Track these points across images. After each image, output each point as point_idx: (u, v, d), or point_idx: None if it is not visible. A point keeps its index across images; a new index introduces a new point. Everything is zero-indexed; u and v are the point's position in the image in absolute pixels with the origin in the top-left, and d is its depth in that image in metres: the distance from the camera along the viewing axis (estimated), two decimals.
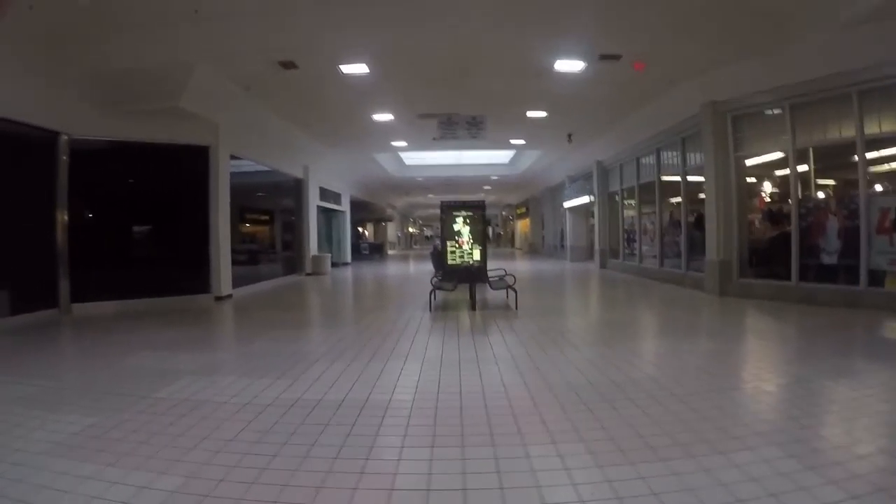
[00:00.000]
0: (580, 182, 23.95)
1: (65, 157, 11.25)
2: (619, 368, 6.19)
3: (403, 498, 3.29)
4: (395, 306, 12.34)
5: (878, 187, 10.13)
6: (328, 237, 26.54)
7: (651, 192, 16.90)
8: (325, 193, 23.53)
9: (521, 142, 20.14)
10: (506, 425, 4.44)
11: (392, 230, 46.91)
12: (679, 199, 15.11)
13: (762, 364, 6.50)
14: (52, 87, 10.28)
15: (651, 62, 11.08)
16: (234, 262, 14.59)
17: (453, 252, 16.62)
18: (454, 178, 29.39)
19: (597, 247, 22.17)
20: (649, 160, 16.88)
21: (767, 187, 12.71)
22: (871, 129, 9.68)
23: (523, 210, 42.99)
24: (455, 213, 16.76)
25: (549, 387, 5.53)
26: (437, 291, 11.75)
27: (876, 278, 9.75)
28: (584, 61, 11.05)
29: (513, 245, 52.53)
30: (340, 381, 5.85)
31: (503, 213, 58.52)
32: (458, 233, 16.70)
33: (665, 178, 15.99)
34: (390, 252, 41.97)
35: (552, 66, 11.33)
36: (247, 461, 3.80)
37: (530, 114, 15.35)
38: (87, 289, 11.52)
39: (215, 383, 5.82)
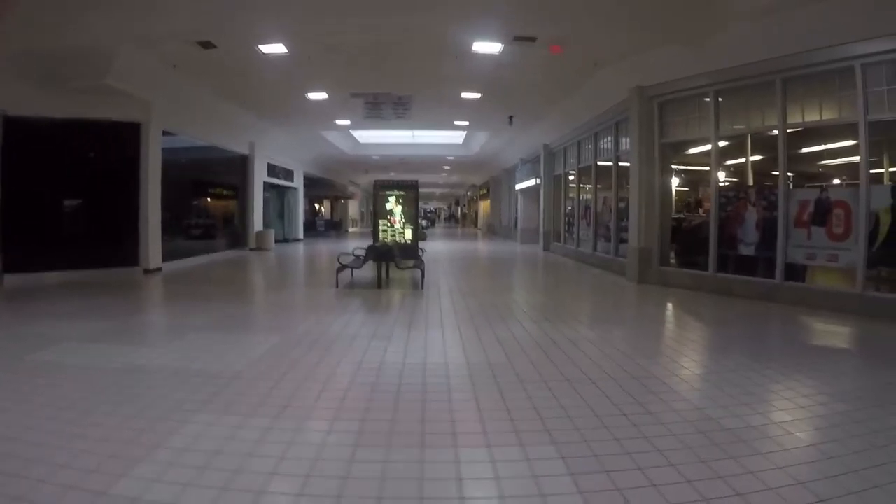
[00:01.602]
0: (530, 164, 23.50)
1: None
2: (461, 350, 6.17)
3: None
4: (312, 283, 12.34)
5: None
6: (280, 213, 25.93)
7: (591, 177, 16.46)
8: (274, 170, 22.97)
9: (465, 123, 19.59)
10: (281, 397, 4.56)
11: (354, 207, 46.13)
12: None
13: (613, 357, 6.00)
14: None
15: (572, 45, 10.63)
16: (173, 236, 14.83)
17: (385, 230, 16.21)
18: (411, 156, 28.78)
19: (533, 228, 21.79)
20: (589, 144, 16.41)
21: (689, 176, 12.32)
22: (794, 117, 9.31)
23: (485, 191, 42.47)
24: (388, 192, 16.34)
25: (358, 365, 5.55)
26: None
27: (793, 272, 9.44)
28: (500, 43, 10.56)
29: (475, 226, 52.07)
30: (196, 352, 5.96)
31: (468, 193, 57.83)
32: (391, 211, 16.26)
33: (601, 162, 15.60)
34: (351, 229, 41.29)
35: (470, 48, 10.86)
36: (64, 414, 4.07)
37: (465, 95, 14.81)
38: (19, 260, 11.53)
39: (87, 349, 6.04)
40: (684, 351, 6.42)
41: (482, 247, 25.04)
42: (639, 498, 2.95)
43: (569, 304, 9.77)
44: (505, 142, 23.52)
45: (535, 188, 23.18)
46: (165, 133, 13.95)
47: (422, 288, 11.02)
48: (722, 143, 10.74)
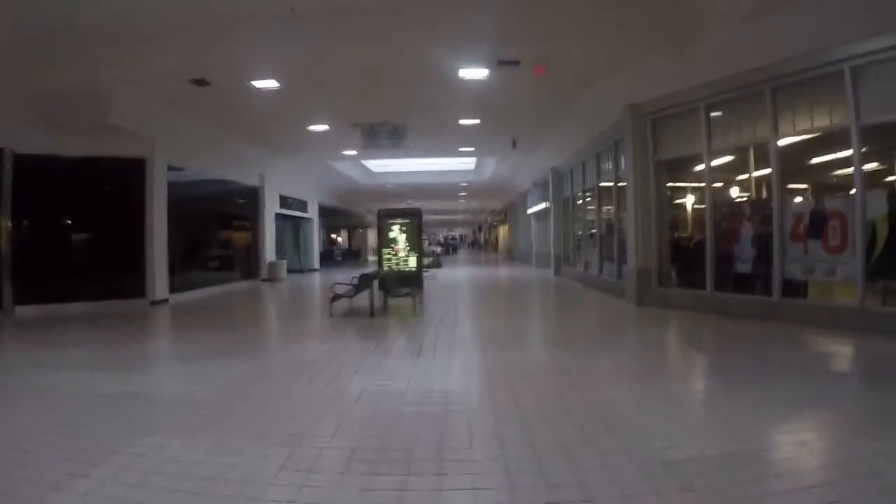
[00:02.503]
0: (540, 188, 23.23)
1: (9, 171, 11.60)
2: (427, 379, 6.00)
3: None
4: (309, 313, 12.16)
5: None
6: (295, 244, 26.00)
7: (595, 199, 16.12)
8: (286, 201, 23.12)
9: (471, 149, 19.43)
10: (231, 420, 4.68)
11: (373, 236, 46.05)
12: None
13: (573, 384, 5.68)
14: None
15: (557, 66, 10.44)
16: (185, 268, 15.18)
17: (389, 259, 16.06)
18: (426, 184, 28.70)
19: (547, 253, 21.40)
20: (592, 166, 16.09)
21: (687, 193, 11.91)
22: (786, 128, 8.92)
23: (503, 216, 42.19)
24: (391, 221, 16.22)
25: (338, 394, 5.51)
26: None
27: (791, 289, 8.93)
28: (486, 68, 10.45)
29: (496, 251, 51.67)
30: (170, 379, 6.34)
31: (488, 219, 57.57)
32: (394, 240, 16.12)
33: (603, 183, 15.20)
34: (371, 258, 41.18)
35: (457, 74, 10.77)
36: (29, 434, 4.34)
37: (463, 121, 14.66)
38: (30, 292, 11.88)
39: (68, 377, 6.28)
40: (650, 377, 5.98)
41: (494, 273, 24.75)
42: None
43: (553, 331, 9.44)
44: (514, 166, 23.30)
45: (546, 212, 22.87)
46: (171, 168, 14.19)
47: (414, 315, 10.88)
48: (728, 158, 10.36)
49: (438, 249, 33.59)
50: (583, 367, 6.41)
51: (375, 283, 11.80)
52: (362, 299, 11.70)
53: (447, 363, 6.77)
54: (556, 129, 16.07)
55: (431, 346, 7.82)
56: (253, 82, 11.01)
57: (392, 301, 12.15)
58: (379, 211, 16.86)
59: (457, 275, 23.27)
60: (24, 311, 11.63)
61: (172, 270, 14.30)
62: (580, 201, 18.09)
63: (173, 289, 14.20)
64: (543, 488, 3.23)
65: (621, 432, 4.11)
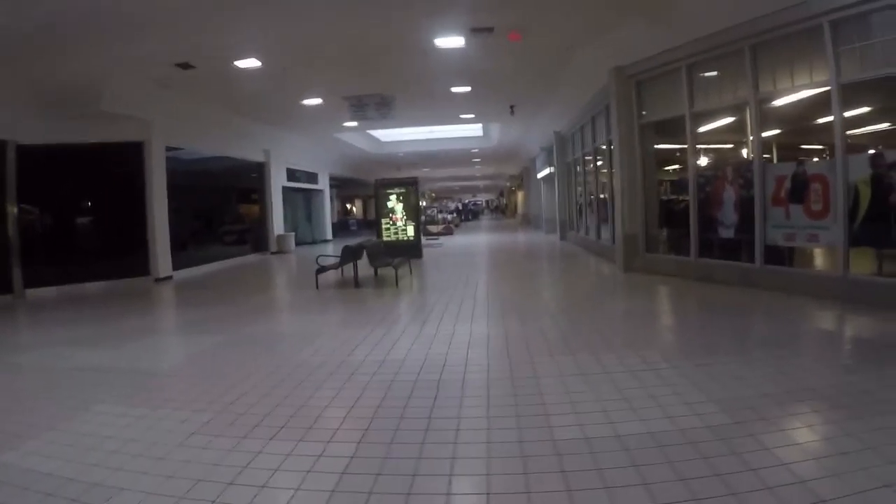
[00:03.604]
0: (546, 152, 22.66)
1: (13, 161, 11.79)
2: (375, 347, 6.13)
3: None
4: (302, 285, 11.98)
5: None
6: (307, 216, 25.96)
7: (593, 163, 15.60)
8: (294, 174, 23.01)
9: (471, 116, 18.89)
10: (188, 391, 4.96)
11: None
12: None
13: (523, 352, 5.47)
14: None
15: (535, 31, 9.89)
16: (188, 245, 15.50)
17: (388, 228, 15.88)
18: (436, 152, 28.16)
19: (556, 218, 20.92)
20: (589, 129, 15.52)
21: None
22: (766, 86, 8.33)
23: (520, 182, 41.51)
24: (388, 191, 15.99)
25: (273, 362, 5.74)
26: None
27: (773, 255, 8.45)
28: (461, 36, 9.96)
29: (514, 216, 51.05)
30: (146, 353, 6.42)
31: (507, 184, 56.76)
32: (392, 210, 15.90)
33: (600, 146, 14.62)
34: None
35: (434, 44, 10.33)
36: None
37: (454, 89, 14.16)
38: (39, 276, 12.17)
39: (60, 352, 6.58)
40: (601, 348, 5.68)
41: (502, 239, 24.31)
42: None
43: (520, 299, 8.95)
44: (520, 131, 22.62)
45: (552, 176, 22.33)
46: (170, 148, 14.32)
47: (396, 285, 10.78)
48: (711, 119, 9.76)
49: (450, 217, 33.03)
50: (524, 338, 6.26)
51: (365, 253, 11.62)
52: (360, 270, 11.74)
53: (398, 332, 6.85)
54: (552, 94, 15.43)
55: (392, 317, 7.96)
56: (236, 63, 10.85)
57: (386, 270, 11.98)
58: (375, 181, 16.62)
59: (465, 242, 22.99)
60: (34, 293, 11.95)
61: (178, 247, 14.51)
62: (580, 166, 17.53)
63: (178, 265, 14.40)
64: None
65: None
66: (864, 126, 7.75)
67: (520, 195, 44.90)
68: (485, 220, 53.48)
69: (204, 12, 8.32)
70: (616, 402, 4.12)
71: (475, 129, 25.00)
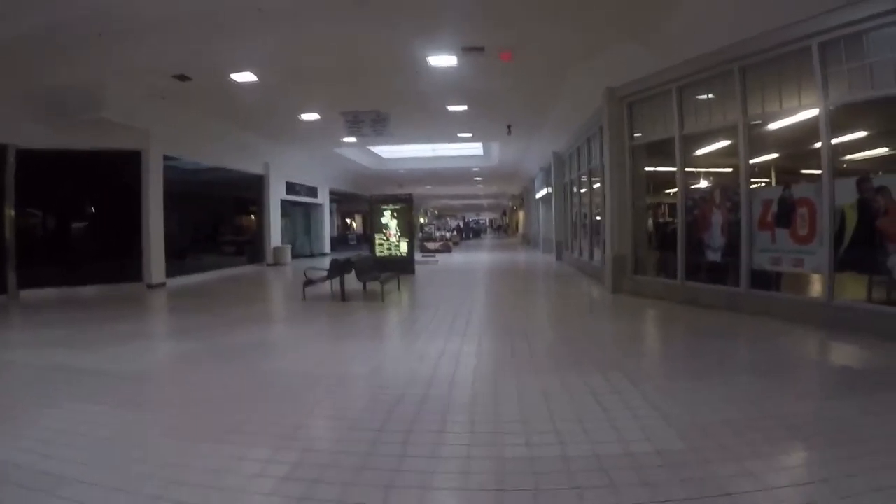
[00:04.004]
0: (545, 172, 22.55)
1: (12, 164, 11.91)
2: (341, 361, 6.14)
3: None
4: (291, 297, 11.99)
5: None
6: (306, 229, 25.89)
7: (588, 184, 15.46)
8: (293, 187, 22.96)
9: (469, 134, 18.82)
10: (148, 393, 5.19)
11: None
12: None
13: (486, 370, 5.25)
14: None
15: (526, 51, 9.83)
16: (183, 254, 15.44)
17: (381, 244, 15.75)
18: (437, 169, 28.09)
19: (552, 238, 20.76)
20: (585, 150, 15.40)
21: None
22: (755, 108, 8.21)
23: (520, 201, 41.42)
24: (383, 207, 15.89)
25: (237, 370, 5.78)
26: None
27: (759, 279, 8.26)
28: (454, 55, 9.93)
29: (515, 236, 50.85)
30: (120, 356, 6.38)
31: (509, 203, 56.66)
32: (386, 225, 15.78)
33: (595, 167, 14.47)
34: None
35: (427, 62, 10.29)
36: None
37: (451, 107, 14.09)
38: (34, 278, 12.20)
39: (37, 352, 6.68)
40: (567, 369, 5.49)
41: (498, 258, 24.11)
42: None
43: (510, 317, 8.80)
44: (519, 151, 22.56)
45: (549, 196, 22.22)
46: (168, 158, 14.32)
47: (382, 300, 10.65)
48: (701, 142, 9.61)
49: (448, 235, 32.83)
50: (494, 357, 6.15)
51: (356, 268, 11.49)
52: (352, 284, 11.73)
53: (370, 347, 6.88)
54: (548, 115, 15.38)
55: (369, 332, 8.01)
56: (232, 76, 10.88)
57: (375, 285, 11.85)
58: (370, 197, 16.54)
59: (461, 260, 22.79)
60: (28, 294, 11.95)
61: (173, 256, 14.52)
62: (576, 187, 17.40)
63: (173, 273, 14.40)
64: None
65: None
66: (853, 150, 7.58)
67: (521, 214, 44.76)
68: (486, 238, 53.35)
69: (200, 25, 8.33)
70: (571, 424, 3.96)
71: (476, 148, 24.92)
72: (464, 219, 71.90)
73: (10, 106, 11.10)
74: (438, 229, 34.36)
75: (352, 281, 11.60)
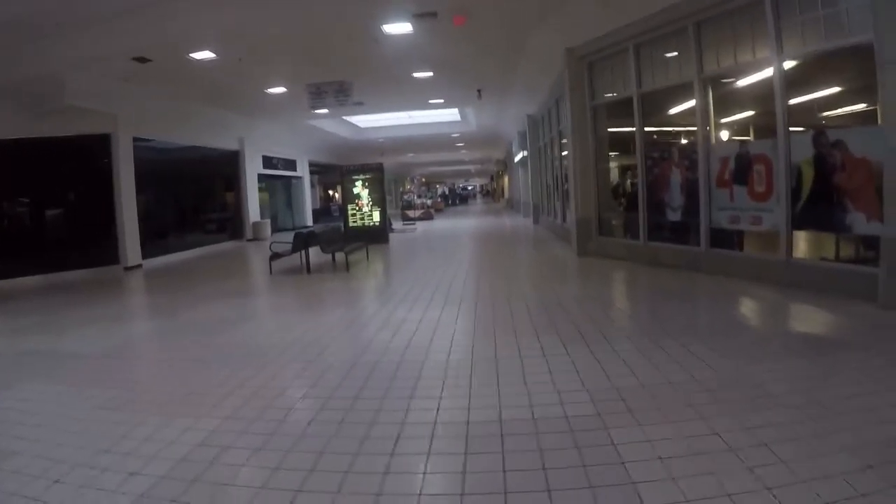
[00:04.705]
0: (520, 136, 22.07)
1: None
2: (293, 331, 6.16)
3: None
4: (260, 271, 11.89)
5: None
6: (287, 203, 25.48)
7: (558, 146, 15.06)
8: (271, 161, 22.45)
9: (440, 101, 18.27)
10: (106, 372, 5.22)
11: None
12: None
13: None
14: None
15: (482, 14, 9.33)
16: (159, 234, 15.27)
17: (353, 214, 15.44)
18: (416, 136, 27.43)
19: (529, 202, 20.44)
20: (554, 112, 14.96)
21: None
22: (710, 65, 7.83)
23: (504, 166, 40.88)
24: (354, 177, 15.51)
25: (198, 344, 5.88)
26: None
27: (719, 238, 7.99)
28: (408, 22, 9.45)
29: (500, 201, 50.41)
30: (76, 338, 6.52)
31: (495, 168, 55.96)
32: (358, 195, 15.45)
33: (564, 130, 14.05)
34: None
35: (382, 30, 9.83)
36: None
37: (416, 74, 13.58)
38: (9, 267, 11.92)
39: (5, 340, 6.72)
40: (506, 333, 5.46)
41: (479, 223, 23.84)
42: None
43: (469, 282, 8.61)
44: (494, 115, 21.97)
45: (526, 160, 21.81)
46: (139, 140, 14.01)
47: (347, 271, 10.65)
48: (659, 100, 9.18)
49: (429, 202, 32.40)
50: (441, 322, 6.13)
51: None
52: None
53: (323, 316, 6.96)
54: (515, 78, 14.85)
55: (327, 301, 8.10)
56: (191, 55, 10.48)
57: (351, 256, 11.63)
58: (340, 168, 16.15)
59: (440, 227, 22.48)
60: (4, 284, 11.64)
61: (150, 236, 14.40)
62: (549, 150, 17.00)
63: (151, 253, 14.29)
64: None
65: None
66: (808, 104, 7.23)
67: (506, 179, 44.27)
68: (473, 204, 52.98)
69: (153, 4, 7.97)
70: (487, 388, 3.94)
71: (452, 114, 24.34)
72: (452, 186, 71.20)
73: None
74: (419, 196, 33.75)
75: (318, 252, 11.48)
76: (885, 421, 3.01)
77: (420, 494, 2.64)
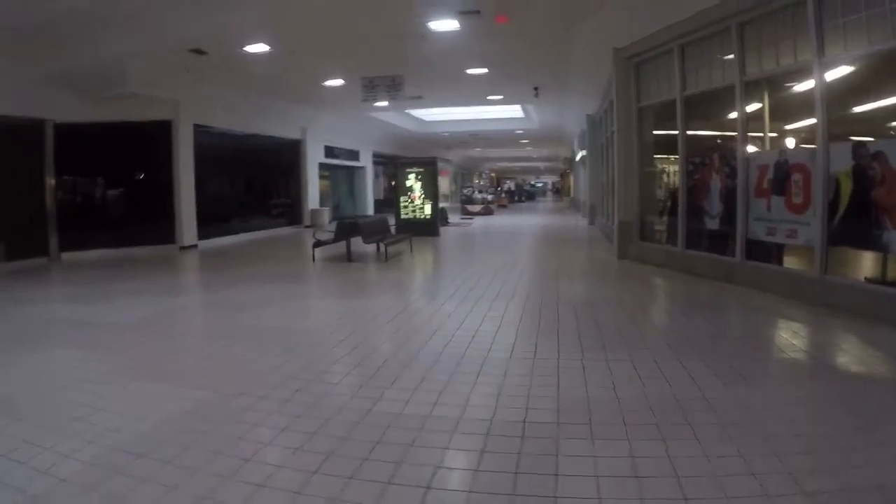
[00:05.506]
0: (582, 134, 21.73)
1: (51, 137, 12.41)
2: (317, 317, 6.50)
3: None
4: (307, 257, 12.17)
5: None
6: (349, 191, 26.15)
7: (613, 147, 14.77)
8: (332, 151, 23.07)
9: (500, 97, 18.26)
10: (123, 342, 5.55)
11: (445, 182, 45.22)
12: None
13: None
14: (37, 85, 11.39)
15: (525, 13, 9.27)
16: (217, 217, 15.85)
17: (405, 206, 15.74)
18: (480, 132, 27.48)
19: (587, 202, 20.13)
20: (610, 112, 14.63)
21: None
22: (752, 67, 7.51)
23: (569, 164, 40.26)
24: (407, 170, 15.79)
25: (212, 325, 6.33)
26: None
27: (756, 250, 7.68)
28: (454, 19, 9.52)
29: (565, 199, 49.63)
30: (117, 309, 6.86)
31: (563, 166, 55.09)
32: (410, 188, 15.71)
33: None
34: (442, 204, 40.68)
35: (428, 27, 9.96)
36: None
37: (470, 71, 13.66)
38: (73, 241, 12.81)
39: (50, 307, 7.38)
40: (524, 334, 5.48)
41: (537, 221, 23.63)
42: None
43: (504, 282, 8.53)
44: (555, 113, 21.70)
45: (585, 160, 21.48)
46: (201, 127, 14.79)
47: (385, 261, 10.96)
48: (703, 103, 8.89)
49: (489, 197, 32.24)
50: (460, 318, 6.17)
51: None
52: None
53: (350, 304, 7.16)
54: (567, 77, 14.63)
55: (359, 290, 8.33)
56: (245, 48, 10.91)
57: (394, 247, 11.98)
58: (396, 161, 16.48)
59: (496, 224, 22.48)
60: (69, 256, 12.61)
61: (207, 218, 15.03)
62: (606, 150, 16.68)
63: (203, 235, 14.92)
64: None
65: None
66: (849, 111, 6.83)
67: (571, 178, 43.59)
68: (540, 202, 52.41)
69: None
70: (463, 386, 4.03)
71: (515, 111, 24.25)
72: (521, 181, 70.58)
73: (44, 84, 11.50)
74: (479, 192, 33.69)
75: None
76: None
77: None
